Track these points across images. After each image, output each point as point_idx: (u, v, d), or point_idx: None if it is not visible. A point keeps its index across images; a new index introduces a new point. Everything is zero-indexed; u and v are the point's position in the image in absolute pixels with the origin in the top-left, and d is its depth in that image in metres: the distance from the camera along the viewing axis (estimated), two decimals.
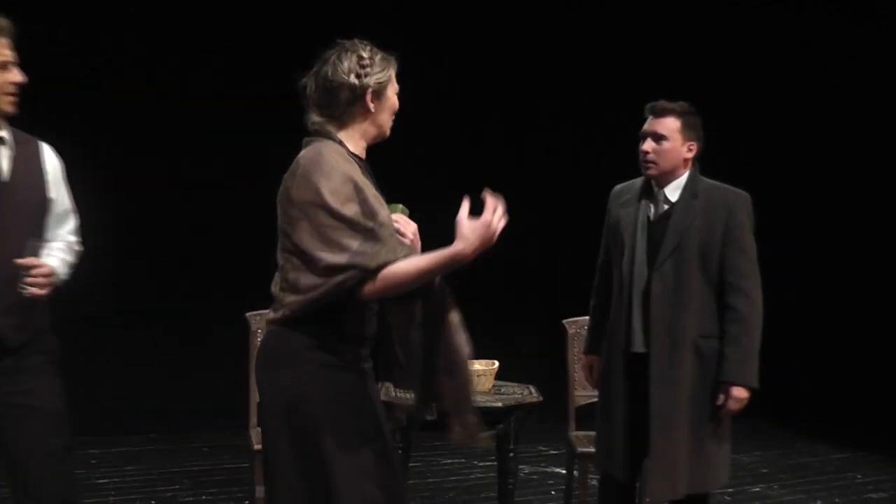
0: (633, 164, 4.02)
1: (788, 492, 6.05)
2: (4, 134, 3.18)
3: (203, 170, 7.13)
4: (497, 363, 4.64)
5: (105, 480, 6.02)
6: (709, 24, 7.99)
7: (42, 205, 3.26)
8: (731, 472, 6.30)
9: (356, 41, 3.04)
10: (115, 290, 6.87)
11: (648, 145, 3.86)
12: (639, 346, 3.90)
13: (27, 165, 3.22)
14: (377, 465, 2.97)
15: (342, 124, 3.04)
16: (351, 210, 2.87)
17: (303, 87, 3.07)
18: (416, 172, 6.74)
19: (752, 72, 8.07)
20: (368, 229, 2.87)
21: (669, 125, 3.85)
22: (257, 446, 4.41)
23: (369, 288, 2.87)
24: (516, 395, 4.54)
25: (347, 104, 3.01)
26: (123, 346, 6.94)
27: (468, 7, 7.69)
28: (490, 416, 4.38)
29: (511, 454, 4.52)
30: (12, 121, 3.27)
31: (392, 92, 3.07)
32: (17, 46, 3.21)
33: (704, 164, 3.99)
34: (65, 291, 6.49)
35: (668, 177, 3.89)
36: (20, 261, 3.12)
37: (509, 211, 2.83)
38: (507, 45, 7.81)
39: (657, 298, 3.83)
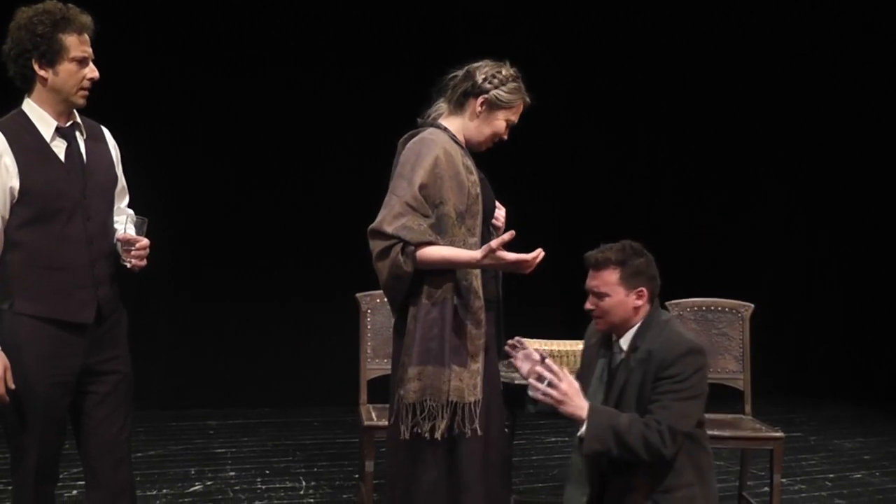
0: None
1: (891, 479, 6.00)
2: (79, 121, 3.36)
3: (328, 146, 7.30)
4: None
5: (222, 450, 6.26)
6: (708, 24, 7.93)
7: (114, 183, 3.45)
8: (834, 457, 6.36)
9: (513, 67, 3.43)
10: (231, 268, 7.13)
11: (591, 302, 3.51)
12: None
13: (98, 148, 3.41)
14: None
15: (450, 113, 3.44)
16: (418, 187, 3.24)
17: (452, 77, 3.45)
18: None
19: (752, 72, 8.00)
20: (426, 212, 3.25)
21: (607, 279, 3.46)
22: (367, 422, 4.53)
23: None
24: None
25: (462, 94, 3.40)
26: (240, 323, 7.17)
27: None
28: None
29: None
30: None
31: (503, 116, 3.39)
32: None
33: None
34: (182, 269, 6.81)
35: (621, 328, 3.52)
36: (120, 236, 3.34)
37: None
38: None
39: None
